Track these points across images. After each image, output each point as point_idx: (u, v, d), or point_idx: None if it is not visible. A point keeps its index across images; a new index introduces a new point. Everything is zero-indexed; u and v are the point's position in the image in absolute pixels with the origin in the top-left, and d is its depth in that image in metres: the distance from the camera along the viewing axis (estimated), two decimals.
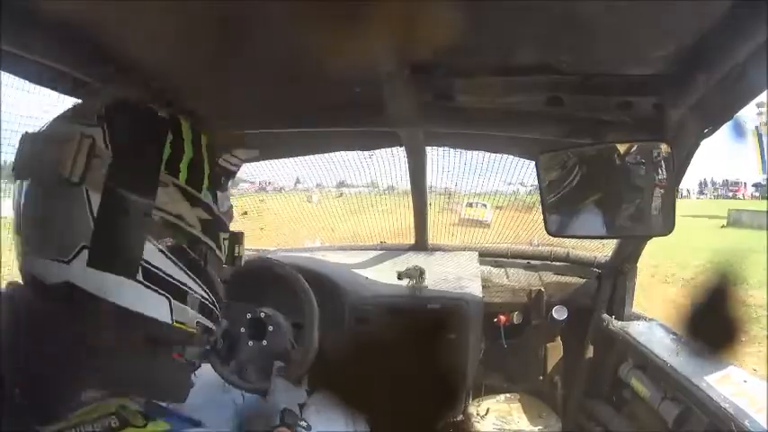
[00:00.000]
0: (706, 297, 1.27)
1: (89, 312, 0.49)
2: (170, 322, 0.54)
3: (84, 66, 0.76)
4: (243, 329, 1.09)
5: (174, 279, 0.54)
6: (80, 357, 0.47)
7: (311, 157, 1.43)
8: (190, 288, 0.56)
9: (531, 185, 1.60)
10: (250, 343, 1.08)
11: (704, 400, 1.06)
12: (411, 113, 0.96)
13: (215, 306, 0.60)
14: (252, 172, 1.66)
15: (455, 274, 1.53)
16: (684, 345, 1.28)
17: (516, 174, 1.48)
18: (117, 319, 0.50)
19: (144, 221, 0.51)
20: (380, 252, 1.71)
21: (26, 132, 0.54)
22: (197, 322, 0.58)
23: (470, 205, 1.96)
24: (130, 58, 0.76)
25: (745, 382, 1.08)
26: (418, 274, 1.42)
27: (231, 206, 0.65)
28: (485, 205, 1.84)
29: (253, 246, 1.86)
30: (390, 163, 1.44)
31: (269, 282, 1.14)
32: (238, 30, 0.69)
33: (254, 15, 0.66)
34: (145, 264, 0.51)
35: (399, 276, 1.40)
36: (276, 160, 1.49)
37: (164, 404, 0.55)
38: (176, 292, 0.54)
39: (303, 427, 0.95)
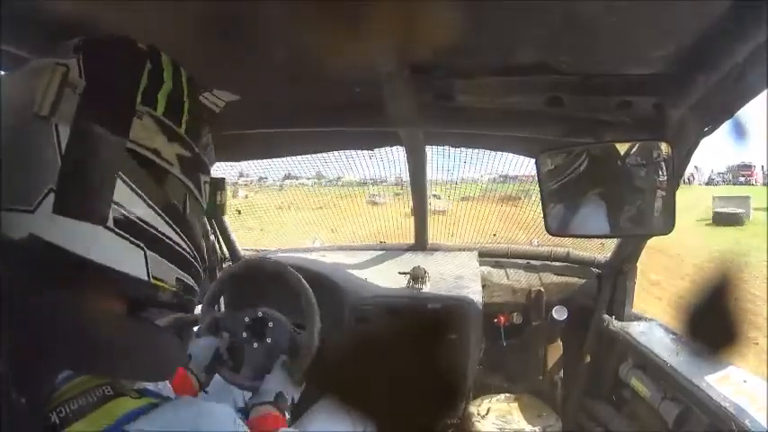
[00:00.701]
0: (706, 297, 1.27)
1: (53, 271, 0.42)
2: (146, 278, 0.46)
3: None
4: (245, 334, 1.08)
5: (149, 225, 0.46)
6: (46, 332, 0.40)
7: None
8: (167, 237, 0.48)
9: (503, 176, 1.63)
10: (255, 345, 1.08)
11: (704, 400, 1.06)
12: (411, 113, 0.96)
13: (196, 261, 0.53)
14: (251, 171, 1.67)
15: (455, 274, 1.53)
16: (684, 345, 1.28)
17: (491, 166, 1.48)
18: (86, 278, 0.44)
19: (116, 157, 0.45)
20: (380, 252, 1.71)
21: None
22: (176, 278, 0.50)
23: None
24: None
25: (744, 381, 1.08)
26: (423, 273, 1.43)
27: (212, 147, 0.57)
28: (439, 197, 1.90)
29: (253, 246, 1.86)
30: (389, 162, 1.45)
31: (269, 282, 1.14)
32: (238, 30, 0.69)
33: (255, 15, 0.66)
34: (116, 206, 0.44)
35: (409, 280, 1.41)
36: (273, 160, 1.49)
37: (152, 387, 0.49)
38: (152, 242, 0.47)
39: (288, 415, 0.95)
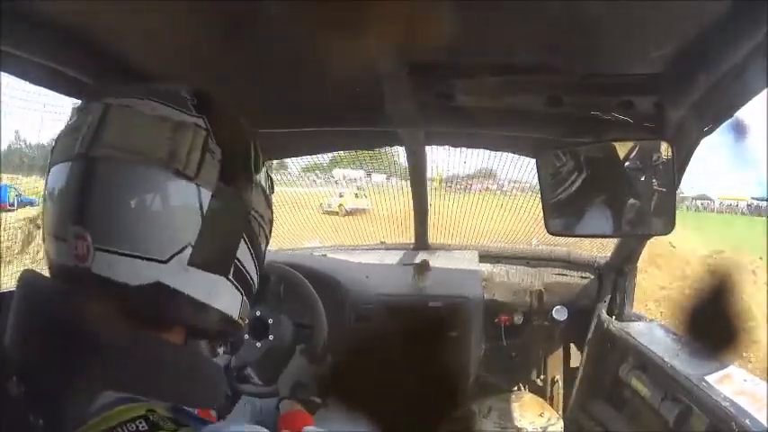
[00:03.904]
0: (706, 297, 1.27)
1: (166, 312, 0.48)
2: (236, 318, 0.53)
3: (84, 66, 0.76)
4: (247, 336, 1.08)
5: (250, 277, 0.54)
6: (110, 355, 0.43)
7: None
8: (254, 283, 0.55)
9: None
10: (258, 345, 1.07)
11: (704, 400, 1.06)
12: (411, 113, 0.96)
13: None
14: None
15: (456, 273, 1.53)
16: (685, 345, 1.28)
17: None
18: (191, 317, 0.49)
19: (243, 221, 0.51)
20: (381, 251, 1.71)
21: (108, 100, 0.47)
22: (247, 314, 0.57)
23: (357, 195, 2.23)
24: (130, 58, 0.76)
25: (745, 381, 1.08)
26: (427, 266, 1.44)
27: None
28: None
29: None
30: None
31: (270, 284, 1.14)
32: (238, 30, 0.69)
33: (255, 16, 0.66)
34: (236, 262, 0.51)
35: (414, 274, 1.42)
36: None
37: (191, 410, 0.50)
38: (248, 288, 0.54)
39: (315, 403, 0.95)
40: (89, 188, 0.45)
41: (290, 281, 1.11)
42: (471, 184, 1.87)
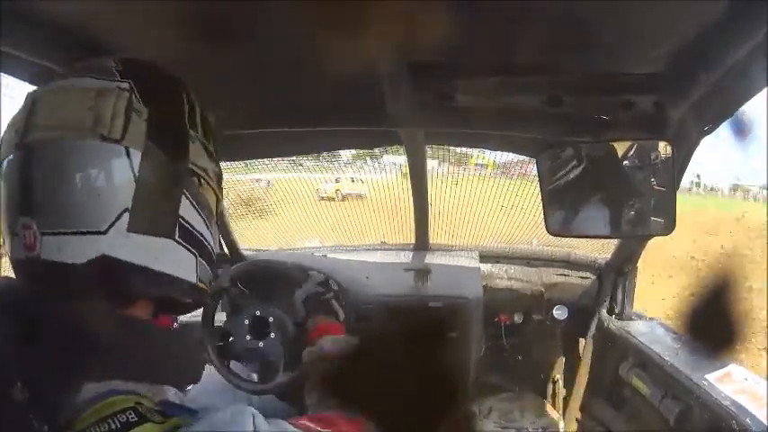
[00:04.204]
0: (706, 296, 1.28)
1: (117, 285, 0.46)
2: (194, 281, 0.51)
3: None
4: (248, 337, 1.08)
5: (201, 235, 0.52)
6: (89, 343, 0.42)
7: None
8: (207, 242, 0.53)
9: None
10: (261, 345, 1.07)
11: (705, 399, 1.06)
12: (411, 113, 0.96)
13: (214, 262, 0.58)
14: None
15: (456, 273, 1.53)
16: (685, 344, 1.28)
17: None
18: (144, 286, 0.47)
19: (182, 177, 0.49)
20: (381, 251, 1.71)
21: (37, 89, 0.47)
22: (208, 279, 0.55)
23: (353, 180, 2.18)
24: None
25: (745, 380, 1.08)
26: (428, 270, 1.44)
27: None
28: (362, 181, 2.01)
29: (253, 246, 1.86)
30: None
31: (271, 281, 1.14)
32: (238, 30, 0.69)
33: (254, 15, 0.66)
34: (181, 221, 0.49)
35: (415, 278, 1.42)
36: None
37: (178, 401, 0.50)
38: (201, 248, 0.52)
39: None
40: (29, 176, 0.45)
41: (279, 270, 1.11)
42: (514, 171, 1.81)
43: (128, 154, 0.45)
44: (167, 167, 0.48)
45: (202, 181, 0.52)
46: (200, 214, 0.51)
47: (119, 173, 0.45)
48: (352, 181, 2.17)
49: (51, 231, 0.44)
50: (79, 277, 0.44)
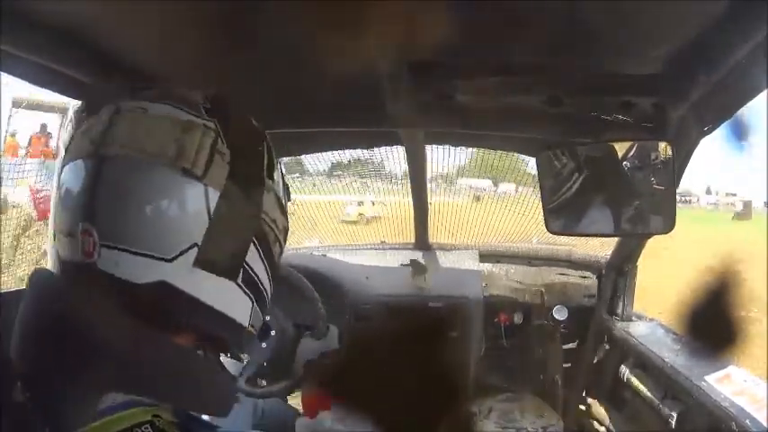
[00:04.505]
0: (706, 297, 1.27)
1: (171, 313, 0.46)
2: (246, 325, 0.52)
3: (84, 66, 0.76)
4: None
5: (262, 285, 0.53)
6: (116, 355, 0.43)
7: None
8: (268, 293, 0.54)
9: None
10: (264, 345, 1.07)
11: (705, 400, 1.06)
12: (411, 113, 0.96)
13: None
14: None
15: (456, 272, 1.53)
16: (685, 344, 1.28)
17: None
18: (196, 319, 0.48)
19: (253, 224, 0.50)
20: (381, 251, 1.71)
21: (115, 105, 0.47)
22: (260, 324, 0.56)
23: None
24: (129, 58, 0.76)
25: (745, 381, 1.08)
26: (423, 266, 1.44)
27: None
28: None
29: None
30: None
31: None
32: (238, 29, 0.69)
33: (254, 15, 0.66)
34: (246, 267, 0.50)
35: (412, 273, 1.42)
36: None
37: (197, 415, 0.50)
38: (259, 296, 0.53)
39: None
40: (97, 186, 0.45)
41: (294, 286, 1.11)
42: None
43: (206, 192, 0.46)
44: (242, 212, 0.49)
45: (271, 232, 0.53)
46: (263, 264, 0.52)
47: (195, 207, 0.46)
48: (372, 204, 2.15)
49: (112, 245, 0.44)
50: (135, 296, 0.45)
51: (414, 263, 1.45)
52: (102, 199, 0.45)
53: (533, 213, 1.63)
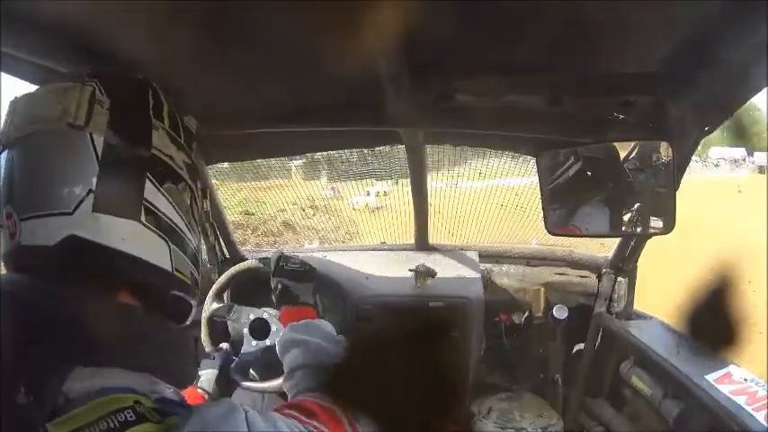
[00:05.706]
0: (707, 295, 1.27)
1: (91, 267, 0.48)
2: (171, 270, 0.53)
3: (84, 66, 0.75)
4: (246, 331, 1.09)
5: (171, 221, 0.53)
6: (79, 326, 0.43)
7: None
8: (183, 233, 0.55)
9: None
10: (254, 343, 1.08)
11: (705, 399, 1.06)
12: (411, 113, 0.96)
13: (200, 258, 0.59)
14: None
15: (456, 272, 1.53)
16: (685, 343, 1.28)
17: None
18: (118, 270, 0.49)
19: (143, 160, 0.51)
20: (381, 252, 1.71)
21: (16, 96, 0.52)
22: (190, 272, 0.56)
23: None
24: (129, 58, 0.76)
25: (745, 380, 1.08)
26: (429, 270, 1.44)
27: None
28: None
29: (253, 248, 1.86)
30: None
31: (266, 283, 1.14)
32: (238, 29, 0.69)
33: (254, 15, 0.66)
34: (146, 203, 0.51)
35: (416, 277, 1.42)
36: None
37: (177, 399, 0.50)
38: (173, 236, 0.53)
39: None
40: (11, 171, 0.49)
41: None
42: None
43: (92, 139, 0.49)
44: (129, 151, 0.51)
45: (169, 167, 0.54)
46: (170, 202, 0.53)
47: (83, 157, 0.48)
48: (377, 195, 2.28)
49: (27, 216, 0.48)
50: (51, 259, 0.47)
51: (421, 267, 1.45)
52: (15, 180, 0.49)
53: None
